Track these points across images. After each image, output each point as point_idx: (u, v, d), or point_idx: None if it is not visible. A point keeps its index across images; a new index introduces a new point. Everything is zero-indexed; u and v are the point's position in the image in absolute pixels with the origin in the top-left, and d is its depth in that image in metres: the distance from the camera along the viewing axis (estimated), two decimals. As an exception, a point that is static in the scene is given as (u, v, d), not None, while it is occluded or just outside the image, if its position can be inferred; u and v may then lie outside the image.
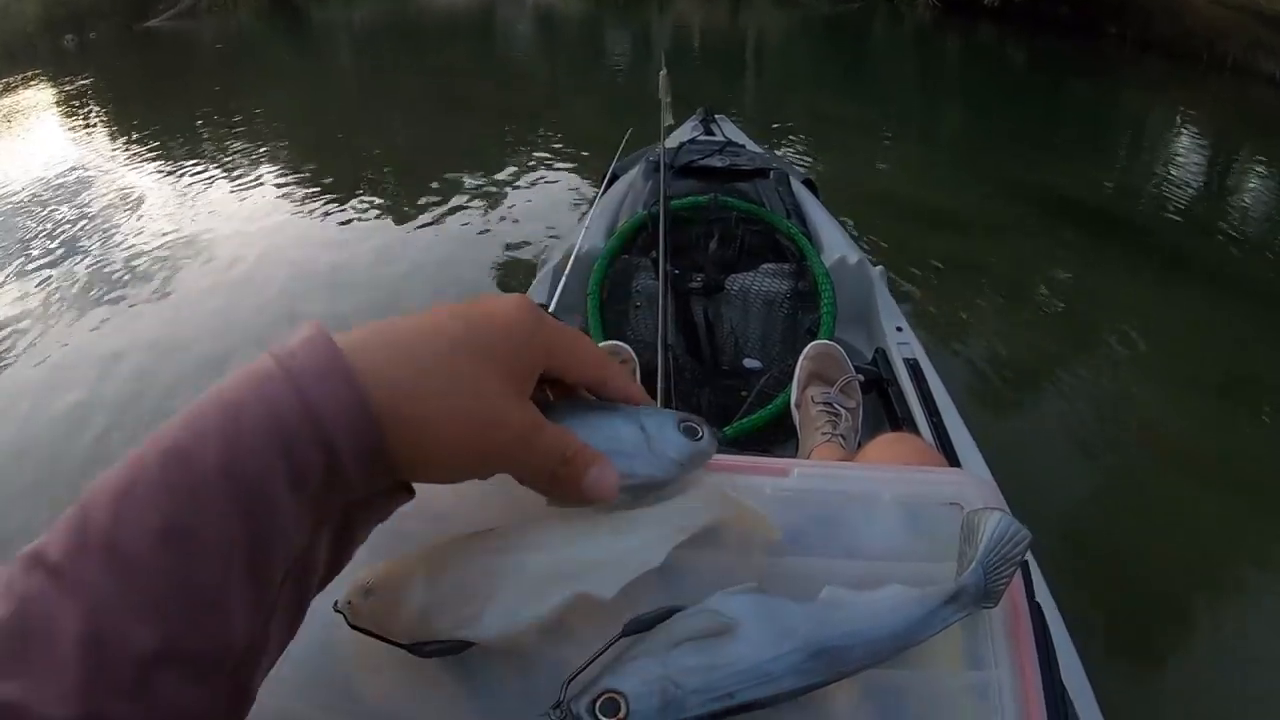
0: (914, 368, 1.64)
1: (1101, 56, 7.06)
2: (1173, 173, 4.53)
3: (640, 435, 0.40)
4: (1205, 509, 2.06)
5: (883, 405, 1.60)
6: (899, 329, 1.77)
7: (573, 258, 1.83)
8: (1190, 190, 4.28)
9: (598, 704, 0.33)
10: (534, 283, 1.93)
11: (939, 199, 4.04)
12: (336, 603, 0.37)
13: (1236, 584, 1.89)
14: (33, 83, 7.42)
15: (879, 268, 1.93)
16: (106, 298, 3.29)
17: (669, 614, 0.36)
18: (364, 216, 3.99)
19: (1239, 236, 3.70)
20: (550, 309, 1.68)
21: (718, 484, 0.43)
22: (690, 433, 0.41)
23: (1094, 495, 2.12)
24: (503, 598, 0.36)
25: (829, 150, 4.90)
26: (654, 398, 1.39)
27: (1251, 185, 4.41)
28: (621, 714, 0.33)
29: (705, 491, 0.42)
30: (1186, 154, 4.89)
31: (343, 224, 3.94)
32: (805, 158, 4.63)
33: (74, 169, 4.98)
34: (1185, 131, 5.35)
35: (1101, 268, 3.33)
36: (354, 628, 0.37)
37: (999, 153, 4.88)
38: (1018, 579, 0.42)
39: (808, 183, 2.38)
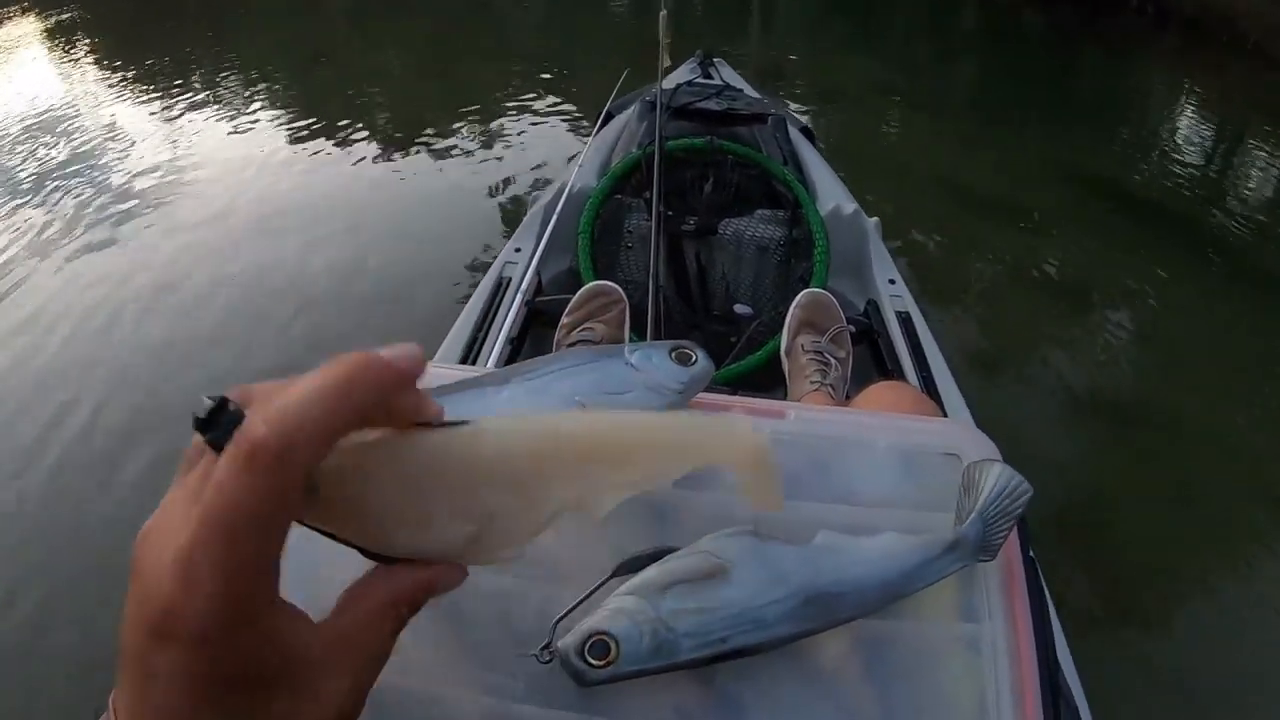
0: (905, 321, 1.63)
1: (1119, 30, 6.91)
2: (1182, 149, 4.47)
3: (629, 371, 0.39)
4: (1195, 482, 2.07)
5: (872, 357, 1.60)
6: (891, 281, 1.76)
7: (565, 196, 1.80)
8: (1199, 168, 4.23)
9: (587, 646, 0.32)
10: (525, 220, 1.89)
11: (943, 160, 3.97)
12: None
13: (1225, 557, 1.90)
14: (16, 17, 7.10)
15: (874, 219, 1.91)
16: (92, 234, 3.21)
17: (661, 554, 0.35)
18: (355, 155, 3.88)
19: (1245, 215, 3.67)
20: (540, 247, 1.66)
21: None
22: (684, 359, 0.40)
23: (1079, 460, 2.13)
24: None
25: (832, 103, 4.80)
26: (644, 338, 1.39)
27: (1261, 168, 4.36)
28: (611, 656, 0.32)
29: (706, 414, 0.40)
30: (1198, 132, 4.80)
31: (332, 162, 3.84)
32: (807, 109, 4.55)
33: (60, 104, 4.81)
34: (1199, 110, 5.23)
35: (1105, 239, 3.29)
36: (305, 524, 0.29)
37: (1009, 120, 4.79)
38: (1014, 534, 0.41)
39: (805, 130, 2.34)
